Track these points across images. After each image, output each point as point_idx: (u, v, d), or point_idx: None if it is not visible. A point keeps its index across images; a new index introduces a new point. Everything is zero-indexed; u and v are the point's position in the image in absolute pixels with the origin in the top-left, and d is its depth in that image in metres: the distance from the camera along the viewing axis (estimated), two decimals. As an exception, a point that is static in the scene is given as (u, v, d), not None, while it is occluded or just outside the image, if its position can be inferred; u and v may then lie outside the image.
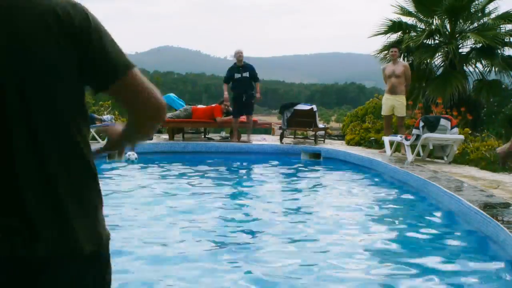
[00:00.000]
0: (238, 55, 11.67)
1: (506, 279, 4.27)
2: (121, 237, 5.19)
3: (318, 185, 8.86)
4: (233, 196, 7.56)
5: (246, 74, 11.61)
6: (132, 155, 9.93)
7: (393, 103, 10.32)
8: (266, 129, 14.68)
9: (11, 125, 1.30)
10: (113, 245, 4.91)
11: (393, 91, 10.30)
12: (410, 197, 7.57)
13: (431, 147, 9.39)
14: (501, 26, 12.71)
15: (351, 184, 8.69)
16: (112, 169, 9.49)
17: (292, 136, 13.11)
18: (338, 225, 6.02)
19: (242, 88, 11.61)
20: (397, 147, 10.28)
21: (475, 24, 13.25)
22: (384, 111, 10.60)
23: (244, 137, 12.05)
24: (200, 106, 12.66)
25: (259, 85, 12.04)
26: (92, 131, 10.96)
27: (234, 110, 11.93)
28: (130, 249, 4.85)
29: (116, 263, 4.45)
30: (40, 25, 1.30)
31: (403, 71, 10.27)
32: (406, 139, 9.56)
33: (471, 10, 13.14)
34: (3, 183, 1.30)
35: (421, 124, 9.21)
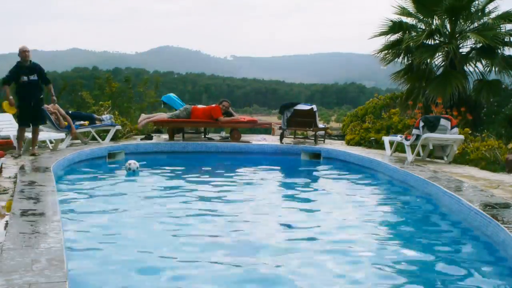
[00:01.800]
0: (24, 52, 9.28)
1: (506, 279, 4.27)
2: (120, 236, 5.19)
3: (318, 185, 8.86)
4: (233, 196, 7.56)
5: (35, 77, 9.33)
6: (133, 164, 8.95)
7: None
8: (266, 129, 14.68)
9: None
10: (115, 243, 4.81)
11: None
12: (410, 197, 7.57)
13: (431, 147, 9.38)
14: (501, 26, 12.69)
15: (351, 184, 8.68)
16: (112, 169, 9.49)
17: (292, 136, 13.11)
18: (338, 225, 6.02)
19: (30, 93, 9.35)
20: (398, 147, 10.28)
21: (475, 24, 13.24)
22: None
23: (247, 137, 12.04)
24: (200, 106, 12.66)
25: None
26: (92, 131, 10.96)
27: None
28: (131, 247, 4.85)
29: (114, 262, 4.42)
30: None
31: None
32: (406, 139, 9.56)
33: (471, 10, 13.12)
34: None
35: (421, 124, 9.21)
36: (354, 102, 54.31)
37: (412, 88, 13.51)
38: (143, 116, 12.90)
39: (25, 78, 9.21)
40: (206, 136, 12.85)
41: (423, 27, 13.53)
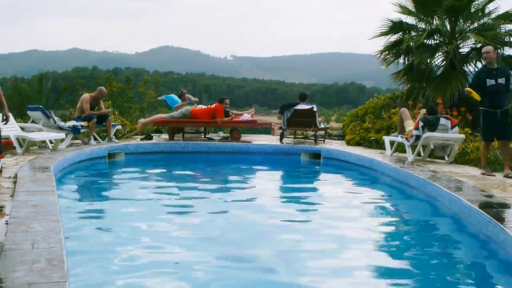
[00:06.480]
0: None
1: (506, 279, 4.27)
2: (120, 236, 5.19)
3: (318, 185, 8.86)
4: (233, 197, 7.56)
5: (502, 80, 7.97)
6: None
7: None
8: (266, 129, 14.69)
9: None
10: (116, 243, 4.79)
11: None
12: (410, 197, 7.57)
13: (432, 147, 9.37)
14: (501, 26, 12.70)
15: (351, 184, 8.69)
16: (112, 169, 9.49)
17: (292, 136, 13.12)
18: (338, 225, 6.02)
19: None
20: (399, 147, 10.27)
21: (475, 24, 13.25)
22: None
23: (246, 137, 12.02)
24: (199, 106, 12.65)
25: None
26: (92, 131, 10.96)
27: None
28: (132, 246, 4.85)
29: (114, 262, 4.42)
30: None
31: None
32: (407, 139, 9.54)
33: (471, 10, 13.13)
34: None
35: (421, 124, 9.19)
36: (354, 102, 54.38)
37: (412, 88, 13.51)
38: (141, 121, 12.88)
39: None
40: (206, 136, 12.86)
41: (423, 27, 13.53)
